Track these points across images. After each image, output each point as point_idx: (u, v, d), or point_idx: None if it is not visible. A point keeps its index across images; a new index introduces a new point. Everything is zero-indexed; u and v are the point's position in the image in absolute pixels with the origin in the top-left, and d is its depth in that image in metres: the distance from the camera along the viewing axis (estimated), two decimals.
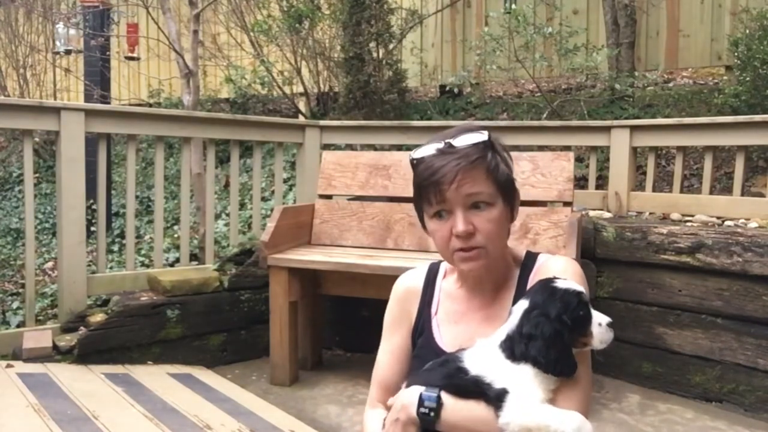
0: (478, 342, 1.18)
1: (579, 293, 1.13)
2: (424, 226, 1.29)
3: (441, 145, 1.21)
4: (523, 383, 1.09)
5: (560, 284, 1.14)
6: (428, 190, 1.20)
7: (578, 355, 1.13)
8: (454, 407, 1.12)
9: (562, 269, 1.25)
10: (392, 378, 1.34)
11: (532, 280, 1.27)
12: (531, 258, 1.32)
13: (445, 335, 1.29)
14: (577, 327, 1.11)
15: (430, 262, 1.42)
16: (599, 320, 1.13)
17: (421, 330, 1.33)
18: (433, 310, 1.33)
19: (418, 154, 1.24)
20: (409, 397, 1.15)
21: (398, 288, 1.41)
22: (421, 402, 1.12)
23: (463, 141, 1.20)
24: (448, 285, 1.36)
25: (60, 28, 6.64)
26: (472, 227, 1.19)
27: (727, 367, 3.12)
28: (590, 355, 1.19)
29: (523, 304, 1.15)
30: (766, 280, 2.98)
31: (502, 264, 1.30)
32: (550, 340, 1.08)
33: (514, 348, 1.11)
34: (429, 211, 1.23)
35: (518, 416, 1.06)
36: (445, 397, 1.12)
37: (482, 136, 1.21)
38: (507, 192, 1.23)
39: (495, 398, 1.09)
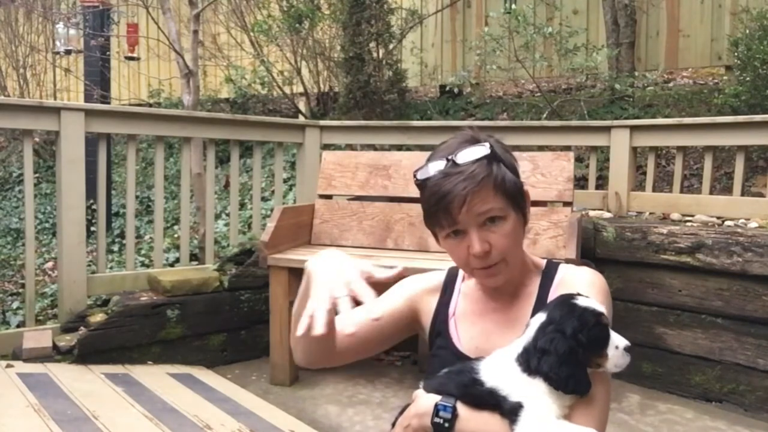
0: (496, 352, 1.17)
1: (599, 314, 1.10)
2: (438, 242, 1.28)
3: (443, 164, 1.18)
4: (538, 398, 1.07)
5: (580, 301, 1.11)
6: (438, 216, 1.19)
7: (596, 374, 1.12)
8: (468, 419, 1.11)
9: (588, 283, 1.24)
10: (362, 318, 1.26)
11: (555, 289, 1.26)
12: (552, 267, 1.32)
13: (463, 336, 1.29)
14: (593, 347, 1.09)
15: (448, 267, 1.41)
16: (617, 343, 1.10)
17: (438, 331, 1.33)
18: (450, 311, 1.33)
19: (422, 174, 1.21)
20: (424, 405, 1.14)
21: (417, 278, 1.40)
22: (436, 412, 1.12)
23: (465, 157, 1.17)
24: (467, 287, 1.36)
25: (60, 28, 6.65)
26: (488, 246, 1.18)
27: (727, 367, 3.12)
28: (609, 374, 1.17)
29: (541, 317, 1.14)
30: (766, 280, 2.98)
31: (521, 269, 1.29)
32: (563, 357, 1.07)
33: (530, 361, 1.10)
34: (442, 233, 1.22)
35: (532, 431, 1.05)
36: (461, 408, 1.12)
37: (484, 149, 1.18)
38: (517, 201, 1.22)
39: (510, 411, 1.08)
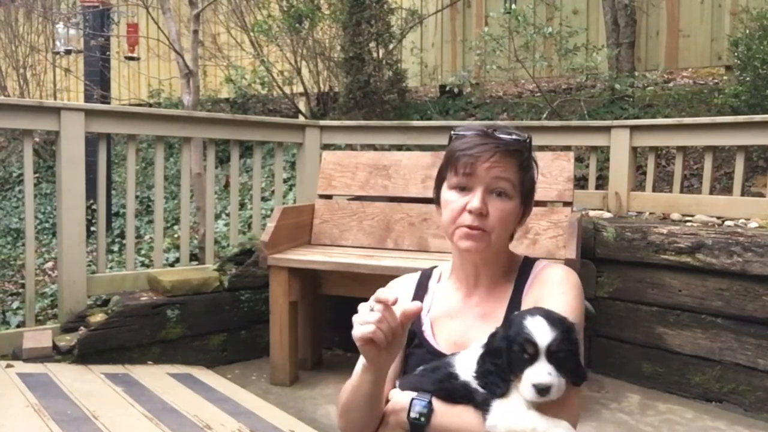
0: (472, 346, 1.19)
1: (528, 342, 1.07)
2: (437, 199, 1.32)
3: (484, 130, 1.27)
4: (512, 389, 1.10)
5: (529, 321, 1.09)
6: (460, 161, 1.24)
7: None
8: (443, 413, 1.14)
9: (561, 279, 1.28)
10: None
11: (531, 284, 1.29)
12: (529, 263, 1.35)
13: (440, 333, 1.31)
14: (508, 362, 1.09)
15: (421, 270, 1.44)
16: (531, 376, 1.07)
17: (413, 330, 1.33)
18: (424, 311, 1.34)
19: (460, 130, 1.30)
20: (400, 402, 1.18)
21: (394, 289, 1.41)
22: (412, 407, 1.14)
23: (506, 133, 1.26)
24: (442, 286, 1.38)
25: (60, 28, 6.65)
26: (486, 210, 1.23)
27: (727, 367, 3.12)
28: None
29: (512, 315, 1.18)
30: (766, 280, 2.98)
31: (500, 261, 1.32)
32: (489, 352, 1.12)
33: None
34: (452, 180, 1.27)
35: (504, 419, 1.08)
36: (436, 403, 1.15)
37: (523, 136, 1.28)
38: (526, 194, 1.28)
39: (482, 403, 1.11)
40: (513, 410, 1.08)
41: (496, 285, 1.31)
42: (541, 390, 1.05)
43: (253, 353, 3.72)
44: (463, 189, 1.25)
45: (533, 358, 1.07)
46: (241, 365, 3.64)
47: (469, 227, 1.23)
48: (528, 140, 1.28)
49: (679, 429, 2.91)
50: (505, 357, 1.09)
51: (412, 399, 1.15)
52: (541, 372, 1.06)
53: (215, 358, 3.61)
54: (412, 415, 1.14)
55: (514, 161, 1.24)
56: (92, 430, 2.30)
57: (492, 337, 1.14)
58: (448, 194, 1.27)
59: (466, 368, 1.15)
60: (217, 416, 2.64)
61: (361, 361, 1.19)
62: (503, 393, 1.09)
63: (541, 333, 1.07)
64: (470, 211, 1.22)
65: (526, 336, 1.07)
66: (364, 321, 1.11)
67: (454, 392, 1.14)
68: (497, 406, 1.09)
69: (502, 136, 1.25)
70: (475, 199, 1.22)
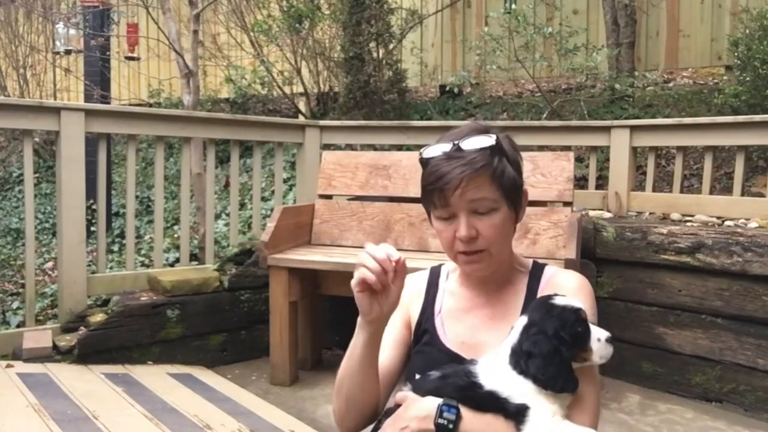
0: (487, 354, 1.18)
1: (577, 310, 1.13)
2: (431, 222, 1.31)
3: (449, 147, 1.21)
4: (540, 399, 1.09)
5: (558, 301, 1.14)
6: (433, 195, 1.22)
7: (585, 372, 1.14)
8: (472, 420, 1.11)
9: (576, 286, 1.28)
10: (387, 361, 1.33)
11: (543, 289, 1.29)
12: (538, 267, 1.35)
13: (449, 332, 1.31)
14: (576, 343, 1.11)
15: (430, 266, 1.44)
16: (598, 335, 1.13)
17: (425, 329, 1.34)
18: (436, 309, 1.35)
19: (426, 154, 1.25)
20: (426, 408, 1.13)
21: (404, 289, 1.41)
22: (440, 413, 1.11)
23: (471, 144, 1.20)
24: (450, 285, 1.38)
25: (60, 28, 6.64)
26: (475, 232, 1.21)
27: (727, 367, 3.12)
28: (596, 368, 1.19)
29: (523, 320, 1.16)
30: (766, 280, 2.98)
31: (506, 265, 1.32)
32: (548, 358, 1.09)
33: (519, 363, 1.12)
34: (434, 213, 1.26)
35: (542, 430, 1.07)
36: (463, 410, 1.12)
37: (490, 140, 1.21)
38: (512, 196, 1.24)
39: (515, 413, 1.09)
40: (549, 421, 1.08)
41: (506, 287, 1.31)
42: (611, 339, 1.13)
43: (253, 353, 3.72)
44: (447, 218, 1.23)
45: (587, 327, 1.13)
46: (241, 365, 3.64)
47: (465, 253, 1.23)
48: (496, 142, 1.21)
49: (679, 429, 2.91)
50: (565, 350, 1.10)
51: (440, 404, 1.12)
52: (599, 329, 1.14)
53: (215, 358, 3.61)
54: (440, 421, 1.11)
55: (486, 176, 1.19)
56: (92, 430, 2.31)
57: (528, 351, 1.11)
58: (436, 224, 1.27)
59: (489, 377, 1.13)
60: (217, 416, 2.64)
61: (357, 325, 1.20)
62: (577, 384, 1.11)
63: (578, 304, 1.14)
64: (460, 240, 1.22)
65: (577, 313, 1.12)
66: (367, 266, 1.17)
67: (481, 402, 1.12)
68: (534, 416, 1.08)
69: (467, 149, 1.19)
70: (461, 228, 1.20)
